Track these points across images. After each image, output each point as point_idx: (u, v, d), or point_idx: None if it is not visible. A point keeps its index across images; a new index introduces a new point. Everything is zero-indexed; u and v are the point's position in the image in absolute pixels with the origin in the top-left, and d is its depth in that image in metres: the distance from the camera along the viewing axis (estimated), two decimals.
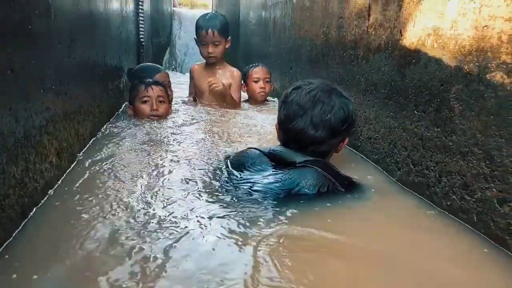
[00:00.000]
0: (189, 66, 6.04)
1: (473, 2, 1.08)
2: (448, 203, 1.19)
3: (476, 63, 1.07)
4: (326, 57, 2.21)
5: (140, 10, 3.41)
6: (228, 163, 1.45)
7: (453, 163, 1.17)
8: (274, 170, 1.31)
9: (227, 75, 2.89)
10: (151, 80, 2.41)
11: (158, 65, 3.13)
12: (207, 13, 3.01)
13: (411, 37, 1.38)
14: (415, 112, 1.36)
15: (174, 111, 2.55)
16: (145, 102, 2.32)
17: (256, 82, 2.96)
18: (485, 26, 1.04)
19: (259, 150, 1.42)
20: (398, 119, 1.47)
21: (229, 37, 2.90)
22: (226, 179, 1.37)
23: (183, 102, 2.92)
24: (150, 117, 2.30)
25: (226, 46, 2.89)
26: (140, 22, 3.43)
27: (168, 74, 2.90)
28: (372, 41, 1.66)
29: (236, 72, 2.95)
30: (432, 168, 1.27)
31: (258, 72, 2.98)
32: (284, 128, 1.42)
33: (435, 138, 1.25)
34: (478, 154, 1.07)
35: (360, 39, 1.78)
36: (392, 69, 1.51)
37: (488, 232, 1.04)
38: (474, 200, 1.09)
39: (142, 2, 3.44)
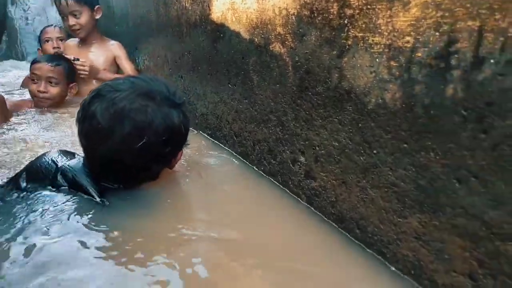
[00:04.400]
0: (35, 53, 5.35)
1: None
2: (262, 168, 1.28)
3: (262, 36, 1.14)
4: (161, 34, 2.13)
5: None
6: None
7: (260, 131, 1.25)
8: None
9: (105, 49, 2.58)
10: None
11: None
12: None
13: (217, 11, 1.40)
14: (229, 86, 1.40)
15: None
16: (33, 80, 2.02)
17: (47, 41, 2.83)
18: None
19: (56, 165, 1.05)
20: (219, 94, 1.50)
21: (98, 6, 2.55)
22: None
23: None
24: (39, 99, 2.04)
25: (97, 17, 2.54)
26: None
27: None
28: (190, 17, 1.65)
29: (117, 44, 2.63)
30: (248, 138, 1.34)
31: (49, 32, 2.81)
32: (86, 152, 1.04)
33: (246, 109, 1.31)
34: (274, 121, 1.16)
35: (182, 14, 1.74)
36: (208, 45, 1.52)
37: (290, 190, 1.15)
38: (277, 163, 1.19)
39: None
